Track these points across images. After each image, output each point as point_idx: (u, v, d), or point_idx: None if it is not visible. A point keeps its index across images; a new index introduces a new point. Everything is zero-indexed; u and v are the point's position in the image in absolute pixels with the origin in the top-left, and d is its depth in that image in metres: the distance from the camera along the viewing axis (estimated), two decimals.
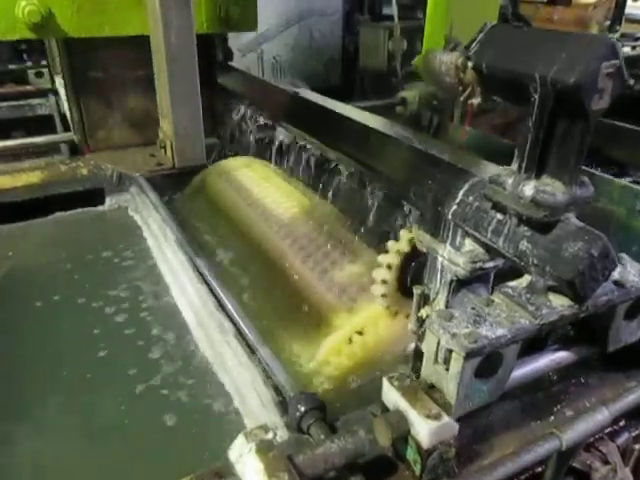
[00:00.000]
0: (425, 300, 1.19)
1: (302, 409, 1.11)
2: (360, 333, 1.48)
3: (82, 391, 1.61)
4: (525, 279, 1.08)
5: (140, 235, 2.45)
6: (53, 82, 4.06)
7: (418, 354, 1.08)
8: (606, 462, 1.30)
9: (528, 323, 0.98)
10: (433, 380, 1.02)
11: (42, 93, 3.72)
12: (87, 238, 2.48)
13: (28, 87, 3.81)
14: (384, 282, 1.35)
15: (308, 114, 1.99)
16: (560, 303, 1.02)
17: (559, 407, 1.25)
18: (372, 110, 2.05)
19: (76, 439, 1.48)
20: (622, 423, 1.34)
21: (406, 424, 0.99)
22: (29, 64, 4.04)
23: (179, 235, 2.09)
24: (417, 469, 1.01)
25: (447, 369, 0.97)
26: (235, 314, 1.60)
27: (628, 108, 3.87)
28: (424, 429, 0.96)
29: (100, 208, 2.72)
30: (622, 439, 1.35)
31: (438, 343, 0.97)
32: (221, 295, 1.70)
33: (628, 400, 1.26)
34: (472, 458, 1.10)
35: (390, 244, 1.34)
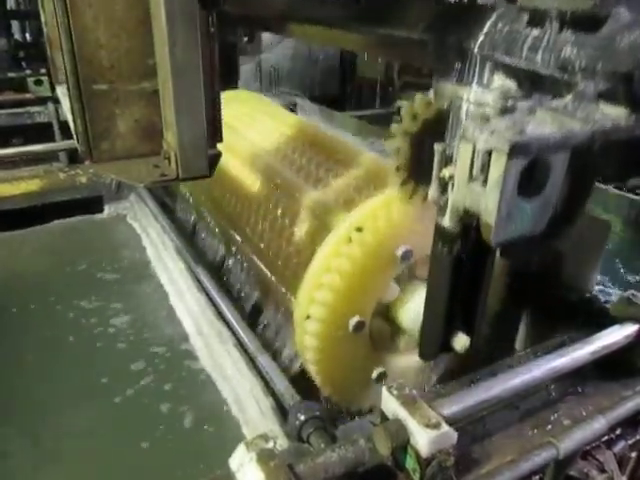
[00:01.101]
0: (447, 160, 1.01)
1: (302, 418, 1.11)
2: (359, 229, 1.37)
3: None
4: (568, 97, 0.92)
5: (139, 243, 2.45)
6: (53, 90, 4.08)
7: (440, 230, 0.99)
8: (603, 470, 1.31)
9: (579, 128, 0.84)
10: (467, 204, 0.88)
11: (41, 101, 3.72)
12: (85, 246, 2.48)
13: (27, 95, 3.82)
14: (398, 151, 1.17)
15: None
16: (613, 112, 0.88)
17: (556, 416, 1.26)
18: (369, 119, 2.06)
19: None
20: (619, 431, 1.35)
21: (405, 433, 1.00)
22: (28, 72, 4.05)
23: (178, 243, 2.10)
24: (416, 478, 1.02)
25: (485, 180, 0.83)
26: (234, 322, 1.61)
27: None
28: (423, 438, 0.97)
29: (99, 216, 2.73)
30: (618, 447, 1.37)
31: (473, 152, 0.83)
32: (220, 303, 1.71)
33: (625, 408, 1.27)
34: (470, 466, 1.11)
35: (404, 109, 1.15)
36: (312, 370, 1.45)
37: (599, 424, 1.20)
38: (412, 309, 1.46)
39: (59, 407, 1.58)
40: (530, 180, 0.83)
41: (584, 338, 1.35)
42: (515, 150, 0.77)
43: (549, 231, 0.94)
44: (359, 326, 1.40)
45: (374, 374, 1.51)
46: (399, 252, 1.37)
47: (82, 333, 1.90)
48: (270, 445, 0.96)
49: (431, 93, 1.14)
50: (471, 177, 0.86)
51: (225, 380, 1.57)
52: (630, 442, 1.38)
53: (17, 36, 5.78)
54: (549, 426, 1.23)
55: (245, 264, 1.92)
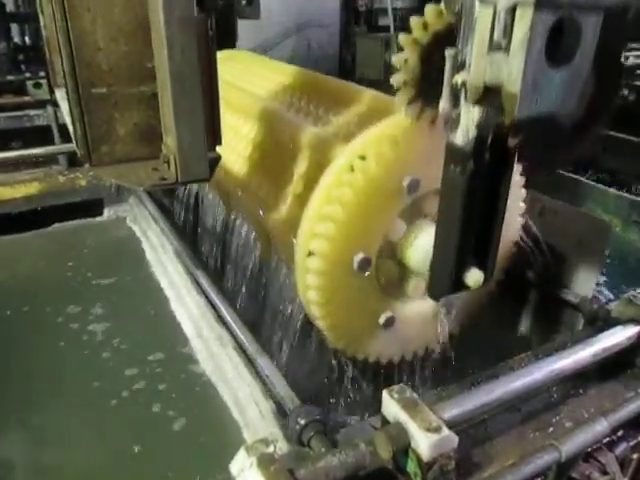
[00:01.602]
0: (459, 67, 0.91)
1: (302, 422, 1.11)
2: (362, 158, 1.27)
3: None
4: None
5: (139, 246, 2.45)
6: (52, 93, 4.08)
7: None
8: (605, 472, 1.31)
9: None
10: (487, 78, 0.80)
11: (40, 104, 3.73)
12: (85, 249, 2.48)
13: (26, 98, 3.82)
14: (406, 64, 1.09)
15: None
16: None
17: (558, 418, 1.26)
18: None
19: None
20: (620, 433, 1.35)
21: (406, 437, 0.99)
22: (27, 75, 4.06)
23: (178, 246, 2.09)
24: None
25: (509, 44, 0.75)
26: (234, 325, 1.60)
27: (622, 118, 3.92)
28: (424, 442, 0.96)
29: (99, 219, 2.73)
30: (620, 449, 1.36)
31: (494, 14, 0.75)
32: (220, 306, 1.70)
33: (627, 410, 1.27)
34: (472, 470, 1.10)
35: (414, 19, 1.07)
36: (316, 314, 1.37)
37: (601, 426, 1.19)
38: (420, 248, 1.35)
39: (54, 410, 1.58)
40: (558, 45, 0.76)
41: (585, 340, 1.35)
42: (542, 2, 0.70)
43: (577, 126, 0.89)
44: (364, 264, 1.31)
45: (382, 319, 1.43)
46: (405, 182, 1.29)
47: (80, 336, 1.89)
48: (270, 449, 0.95)
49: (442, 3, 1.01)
50: (491, 45, 0.78)
51: (225, 383, 1.57)
52: (632, 444, 1.38)
53: (17, 39, 5.79)
54: (551, 428, 1.22)
55: (246, 222, 1.86)
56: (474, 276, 1.02)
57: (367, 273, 1.35)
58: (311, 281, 1.32)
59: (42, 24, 2.11)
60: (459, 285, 1.04)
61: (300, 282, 1.37)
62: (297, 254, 1.35)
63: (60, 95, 2.08)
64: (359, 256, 1.31)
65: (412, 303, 1.50)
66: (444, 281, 1.05)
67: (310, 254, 1.31)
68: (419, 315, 1.52)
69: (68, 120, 1.69)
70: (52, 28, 2.00)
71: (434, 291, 1.10)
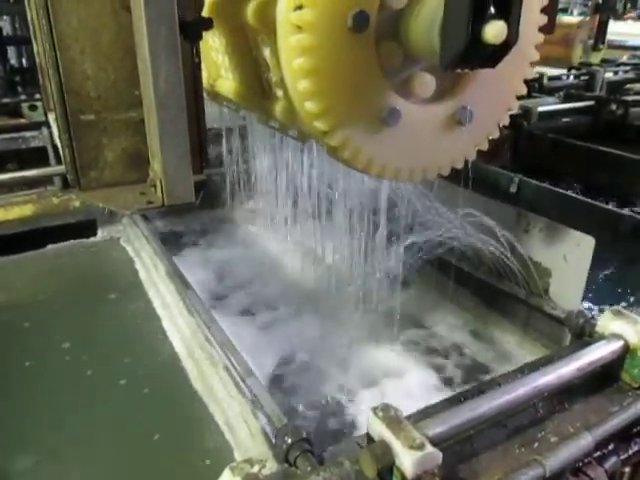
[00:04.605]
0: None
1: (289, 441, 1.12)
2: None
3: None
4: None
5: (132, 267, 2.46)
6: (47, 115, 4.13)
7: None
8: None
9: None
10: None
11: (35, 126, 3.77)
12: (79, 270, 2.49)
13: (22, 120, 3.86)
14: None
15: None
16: None
17: (543, 433, 1.27)
18: None
19: None
20: (611, 447, 1.35)
21: (391, 455, 1.01)
22: (23, 97, 4.11)
23: (170, 267, 2.11)
24: None
25: None
26: (225, 346, 1.62)
27: (611, 133, 3.97)
28: (408, 459, 0.97)
29: (92, 239, 2.75)
30: (610, 463, 1.37)
31: None
32: (212, 327, 1.72)
33: (611, 424, 1.28)
34: None
35: None
36: (306, 91, 1.16)
37: (585, 441, 1.21)
38: (426, 16, 1.09)
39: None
40: None
41: (570, 354, 1.36)
42: None
43: None
44: (361, 20, 1.10)
45: (384, 111, 1.21)
46: None
47: (70, 354, 1.90)
48: (256, 469, 0.97)
49: None
50: None
51: (216, 403, 1.58)
52: (622, 457, 1.39)
53: (13, 61, 5.86)
54: (536, 444, 1.23)
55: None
56: (495, 28, 0.88)
57: (365, 35, 1.14)
58: (299, 41, 1.12)
59: (35, 50, 2.16)
60: (477, 44, 0.89)
61: (285, 50, 1.17)
62: (280, 14, 1.16)
63: (52, 118, 2.13)
64: (354, 10, 1.10)
65: (420, 105, 1.28)
66: (458, 40, 0.90)
67: (299, 7, 1.11)
68: (428, 121, 1.30)
69: (59, 144, 1.74)
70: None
71: (446, 56, 0.96)
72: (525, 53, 1.30)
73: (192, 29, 1.16)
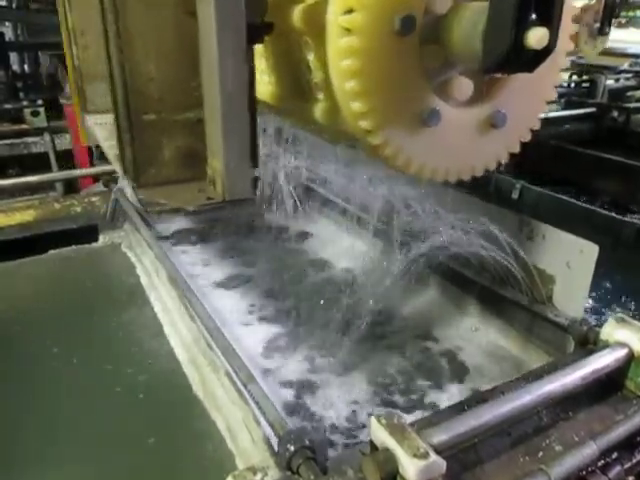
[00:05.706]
0: None
1: (291, 448, 1.11)
2: None
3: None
4: None
5: (133, 272, 2.46)
6: (49, 121, 4.15)
7: None
8: None
9: None
10: None
11: (38, 131, 3.79)
12: (80, 276, 2.49)
13: (24, 126, 3.88)
14: None
15: None
16: None
17: (548, 442, 1.26)
18: None
19: None
20: (615, 455, 1.34)
21: (394, 463, 1.00)
22: (25, 103, 4.13)
23: (172, 273, 2.10)
24: None
25: None
26: (227, 352, 1.60)
27: (613, 140, 3.98)
28: (411, 468, 0.96)
29: (94, 245, 2.74)
30: (614, 472, 1.35)
31: None
32: (213, 332, 1.70)
33: (616, 433, 1.27)
34: None
35: None
36: (351, 91, 1.21)
37: (590, 449, 1.19)
38: (469, 20, 1.14)
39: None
40: None
41: (574, 362, 1.36)
42: None
43: None
44: (408, 24, 1.15)
45: (425, 112, 1.25)
46: None
47: (71, 359, 1.89)
48: (258, 477, 0.96)
49: None
50: None
51: (217, 410, 1.57)
52: (626, 466, 1.37)
53: (15, 67, 5.88)
54: (540, 452, 1.22)
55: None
56: (538, 34, 0.92)
57: (410, 38, 1.20)
58: (348, 43, 1.17)
59: (74, 54, 2.17)
60: (519, 49, 0.93)
61: (334, 51, 1.22)
62: (330, 16, 1.21)
63: (93, 121, 2.15)
64: (402, 13, 1.15)
65: (457, 108, 1.32)
66: (501, 44, 0.94)
67: (349, 11, 1.16)
68: (465, 123, 1.35)
69: (104, 144, 1.77)
70: (90, 59, 2.10)
71: (488, 60, 1.00)
72: (557, 60, 1.33)
73: (255, 33, 1.18)
